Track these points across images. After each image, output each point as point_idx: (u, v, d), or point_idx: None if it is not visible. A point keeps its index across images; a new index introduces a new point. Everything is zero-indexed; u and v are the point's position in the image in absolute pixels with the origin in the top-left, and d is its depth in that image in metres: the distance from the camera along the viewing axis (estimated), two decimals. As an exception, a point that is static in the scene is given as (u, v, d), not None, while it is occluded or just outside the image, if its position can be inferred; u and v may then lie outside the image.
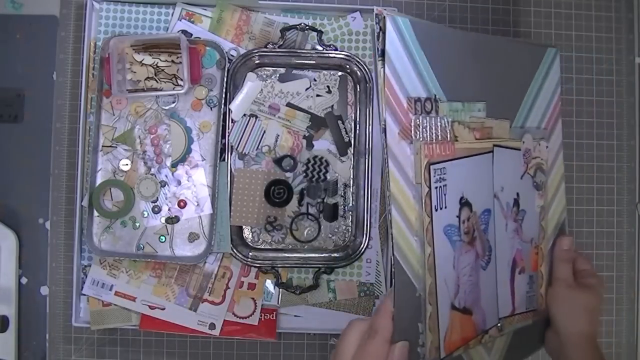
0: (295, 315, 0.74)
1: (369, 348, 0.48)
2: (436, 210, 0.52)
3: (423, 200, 0.51)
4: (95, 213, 0.71)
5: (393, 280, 0.50)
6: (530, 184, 0.63)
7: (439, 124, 0.54)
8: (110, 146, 0.72)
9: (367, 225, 0.71)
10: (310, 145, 0.73)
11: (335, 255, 0.72)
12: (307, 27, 0.72)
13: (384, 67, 0.49)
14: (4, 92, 0.75)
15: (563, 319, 0.61)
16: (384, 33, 0.49)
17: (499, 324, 0.59)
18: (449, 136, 0.54)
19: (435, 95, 0.54)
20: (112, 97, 0.72)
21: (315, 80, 0.74)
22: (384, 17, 0.49)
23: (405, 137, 0.51)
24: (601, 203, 0.79)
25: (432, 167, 0.52)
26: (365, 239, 0.71)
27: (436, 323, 0.52)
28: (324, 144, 0.73)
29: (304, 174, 0.73)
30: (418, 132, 0.52)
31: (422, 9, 0.77)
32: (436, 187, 0.52)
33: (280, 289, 0.73)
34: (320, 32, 0.72)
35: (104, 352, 0.74)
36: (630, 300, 0.78)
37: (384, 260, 0.73)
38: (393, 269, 0.50)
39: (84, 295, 0.72)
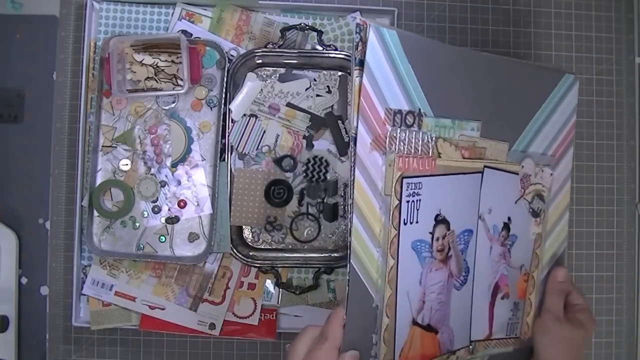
0: (295, 315, 0.74)
1: (316, 354, 0.49)
2: (405, 224, 0.51)
3: (391, 213, 0.50)
4: (95, 213, 0.71)
5: (348, 288, 0.49)
6: (525, 209, 0.61)
7: (420, 138, 0.52)
8: (110, 146, 0.72)
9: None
10: (310, 145, 0.73)
11: (335, 255, 0.72)
12: (307, 27, 0.72)
13: (360, 76, 0.48)
14: (4, 92, 0.75)
15: (546, 352, 0.59)
16: (365, 43, 0.48)
17: (470, 346, 0.58)
18: (431, 152, 0.53)
19: (420, 109, 0.52)
20: (112, 97, 0.72)
21: (315, 80, 0.74)
22: (366, 27, 0.48)
23: (377, 148, 0.50)
24: (601, 203, 0.79)
25: (404, 180, 0.50)
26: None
27: (392, 336, 0.51)
28: (324, 144, 0.73)
29: (304, 174, 0.73)
30: (394, 144, 0.50)
31: (422, 9, 0.77)
32: (408, 201, 0.51)
33: (280, 289, 0.73)
34: (320, 32, 0.72)
35: (104, 352, 0.74)
36: (630, 300, 0.78)
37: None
38: (348, 277, 0.49)
39: (84, 295, 0.72)
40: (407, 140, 0.51)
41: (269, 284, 0.73)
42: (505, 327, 0.61)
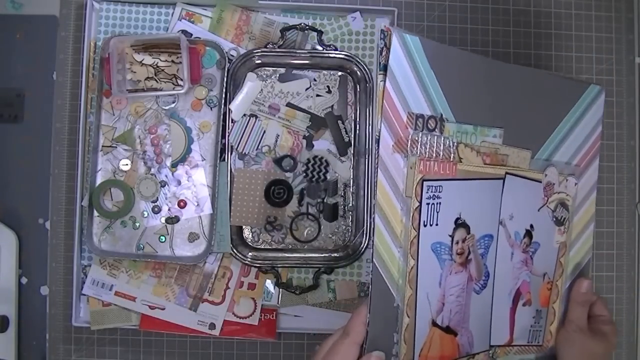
0: (295, 315, 0.74)
1: (338, 348, 0.50)
2: (425, 225, 0.52)
3: (411, 214, 0.51)
4: (95, 213, 0.71)
5: (370, 286, 0.50)
6: (549, 217, 0.62)
7: (441, 143, 0.53)
8: (110, 146, 0.72)
9: (367, 225, 0.71)
10: (310, 145, 0.73)
11: (335, 255, 0.72)
12: (307, 27, 0.72)
13: (383, 80, 0.50)
14: (4, 92, 0.75)
15: None
16: (388, 49, 0.49)
17: (490, 351, 0.59)
18: (452, 156, 0.54)
19: (441, 115, 0.53)
20: (112, 97, 0.72)
21: (315, 80, 0.74)
22: (390, 33, 0.49)
23: (399, 150, 0.51)
24: (601, 203, 0.78)
25: (425, 183, 0.51)
26: (365, 239, 0.71)
27: (412, 336, 0.52)
28: (324, 144, 0.73)
29: (304, 174, 0.73)
30: (415, 148, 0.52)
31: (422, 9, 0.77)
32: (428, 204, 0.52)
33: (280, 289, 0.73)
34: (320, 32, 0.72)
35: (104, 352, 0.74)
36: (630, 300, 0.78)
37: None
38: (371, 276, 0.50)
39: (84, 295, 0.72)
40: (428, 144, 0.53)
41: (269, 284, 0.73)
42: (527, 334, 0.62)
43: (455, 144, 0.54)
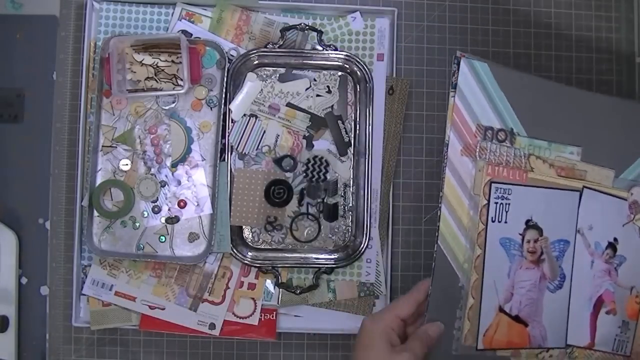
0: (295, 315, 0.74)
1: (400, 298, 0.57)
2: (493, 221, 0.54)
3: (479, 210, 0.54)
4: (95, 213, 0.71)
5: (434, 264, 0.54)
6: (635, 233, 0.62)
7: (512, 153, 0.56)
8: (110, 146, 0.72)
9: (367, 225, 0.71)
10: (310, 145, 0.73)
11: (335, 255, 0.72)
12: (307, 27, 0.72)
13: (454, 96, 0.53)
14: (4, 92, 0.75)
15: None
16: (459, 70, 0.54)
17: (567, 350, 0.60)
18: (523, 165, 0.56)
19: (512, 129, 0.56)
20: (112, 97, 0.72)
21: (315, 80, 0.74)
22: (460, 59, 0.54)
23: (468, 155, 0.54)
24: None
25: (493, 184, 0.54)
26: (365, 239, 0.71)
27: (477, 316, 0.55)
28: (324, 144, 0.73)
29: (304, 174, 0.73)
30: (484, 154, 0.54)
31: (422, 9, 0.77)
32: (496, 202, 0.54)
33: (280, 289, 0.73)
34: (320, 32, 0.72)
35: (104, 352, 0.74)
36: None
37: (383, 260, 0.73)
38: (435, 255, 0.53)
39: (84, 295, 0.72)
40: (498, 152, 0.55)
41: (269, 284, 0.73)
42: (611, 342, 0.63)
43: (526, 155, 0.56)
